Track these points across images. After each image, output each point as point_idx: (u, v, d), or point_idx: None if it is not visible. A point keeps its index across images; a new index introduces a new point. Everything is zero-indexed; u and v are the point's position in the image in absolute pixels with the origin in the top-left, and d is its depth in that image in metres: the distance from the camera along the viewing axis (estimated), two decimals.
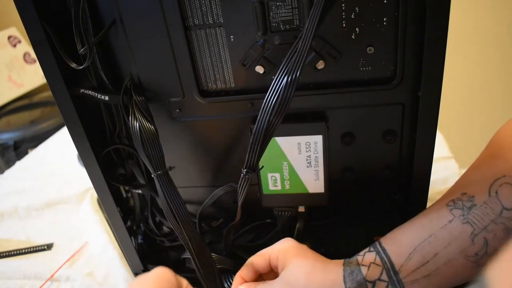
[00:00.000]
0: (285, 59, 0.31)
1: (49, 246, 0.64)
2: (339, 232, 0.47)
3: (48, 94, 1.70)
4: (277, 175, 0.42)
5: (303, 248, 0.39)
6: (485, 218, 0.34)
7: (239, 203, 0.38)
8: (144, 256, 0.50)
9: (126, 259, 0.51)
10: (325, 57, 0.36)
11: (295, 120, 0.39)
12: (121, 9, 0.35)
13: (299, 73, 0.30)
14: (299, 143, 0.40)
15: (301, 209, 0.45)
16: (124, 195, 0.49)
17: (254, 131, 0.32)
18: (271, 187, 0.43)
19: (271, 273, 0.41)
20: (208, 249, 0.41)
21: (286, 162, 0.41)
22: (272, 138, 0.40)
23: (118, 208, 0.45)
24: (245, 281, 0.40)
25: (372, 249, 0.37)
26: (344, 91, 0.37)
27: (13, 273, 0.59)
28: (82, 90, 0.39)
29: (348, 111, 0.39)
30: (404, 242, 0.36)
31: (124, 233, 0.47)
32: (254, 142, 0.32)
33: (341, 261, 0.38)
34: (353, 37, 0.34)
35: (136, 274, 0.51)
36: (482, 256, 0.34)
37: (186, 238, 0.38)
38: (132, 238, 0.48)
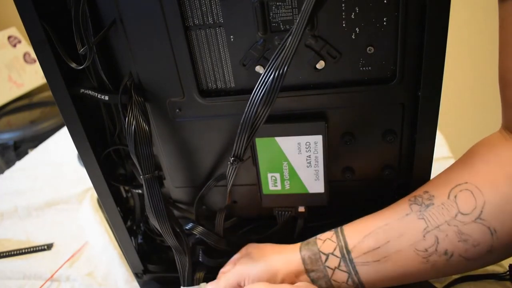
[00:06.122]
0: (274, 54, 0.31)
1: (49, 246, 0.64)
2: None
3: (48, 94, 1.70)
4: (277, 175, 0.42)
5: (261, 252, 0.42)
6: (440, 218, 0.35)
7: (228, 188, 0.41)
8: (144, 256, 0.50)
9: (126, 259, 0.51)
10: (325, 57, 0.36)
11: (295, 120, 0.39)
12: (121, 9, 0.35)
13: (287, 69, 0.30)
14: (299, 143, 0.40)
15: (301, 209, 0.45)
16: (124, 195, 0.50)
17: (241, 121, 0.33)
18: (271, 187, 0.43)
19: None
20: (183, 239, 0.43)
21: (286, 162, 0.41)
22: (272, 138, 0.40)
23: (118, 208, 0.45)
24: None
25: (332, 230, 0.40)
26: (344, 91, 0.37)
27: (13, 273, 0.59)
28: (82, 90, 0.39)
29: (348, 111, 0.39)
30: (360, 226, 0.39)
31: (124, 233, 0.47)
32: (241, 132, 0.33)
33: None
34: (353, 37, 0.34)
35: (136, 274, 0.51)
36: (432, 254, 0.36)
37: (160, 232, 0.41)
38: (132, 238, 0.48)
